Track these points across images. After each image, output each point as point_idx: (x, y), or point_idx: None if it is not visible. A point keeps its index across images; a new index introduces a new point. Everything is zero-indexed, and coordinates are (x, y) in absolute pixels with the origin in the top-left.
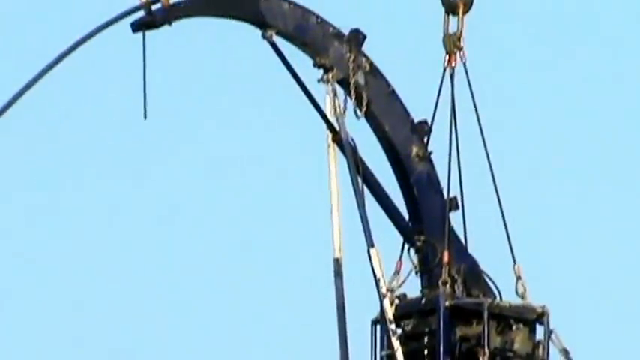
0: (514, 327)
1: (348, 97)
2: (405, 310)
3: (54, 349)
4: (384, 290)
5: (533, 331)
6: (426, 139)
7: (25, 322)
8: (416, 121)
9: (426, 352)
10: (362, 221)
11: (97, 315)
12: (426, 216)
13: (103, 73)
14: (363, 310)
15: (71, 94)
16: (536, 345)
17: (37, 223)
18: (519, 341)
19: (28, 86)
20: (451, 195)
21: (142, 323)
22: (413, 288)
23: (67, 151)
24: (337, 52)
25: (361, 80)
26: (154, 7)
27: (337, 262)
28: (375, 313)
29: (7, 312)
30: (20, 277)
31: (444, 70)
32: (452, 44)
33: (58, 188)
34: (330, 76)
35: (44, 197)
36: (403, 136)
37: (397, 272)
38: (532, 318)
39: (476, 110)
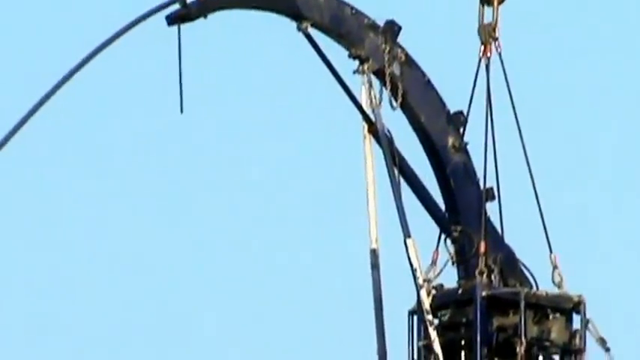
0: (551, 317)
1: (384, 88)
2: (442, 300)
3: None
4: (420, 281)
5: (570, 320)
6: (461, 130)
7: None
8: (452, 111)
9: (462, 342)
10: (398, 212)
11: (145, 304)
12: (462, 206)
13: (139, 67)
14: (399, 301)
15: (107, 87)
16: (573, 334)
17: (79, 214)
18: (556, 331)
19: (65, 79)
20: (487, 185)
21: (194, 313)
22: (449, 278)
23: (103, 144)
24: (372, 44)
25: (397, 71)
26: (189, 0)
27: (374, 254)
28: (411, 303)
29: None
30: (70, 267)
31: (480, 60)
32: (487, 34)
33: (95, 182)
34: (366, 67)
35: (82, 190)
36: (439, 127)
37: (434, 263)
38: (569, 307)
39: (511, 100)
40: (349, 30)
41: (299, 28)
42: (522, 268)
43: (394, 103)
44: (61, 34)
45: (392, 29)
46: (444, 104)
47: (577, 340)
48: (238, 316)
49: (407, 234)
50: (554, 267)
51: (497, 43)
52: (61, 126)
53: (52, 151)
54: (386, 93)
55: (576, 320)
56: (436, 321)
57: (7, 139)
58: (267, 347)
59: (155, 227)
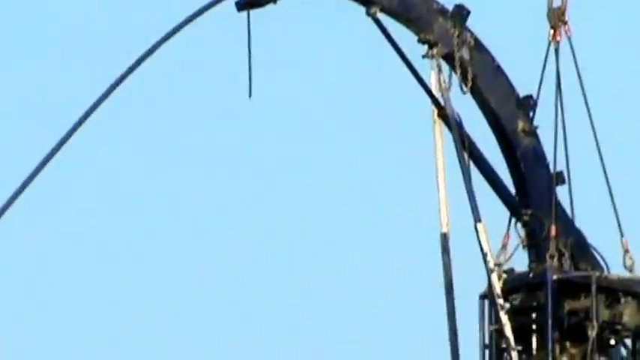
0: (622, 300)
1: (453, 73)
2: (513, 284)
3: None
4: (491, 265)
5: None
6: (531, 114)
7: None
8: (521, 95)
9: (533, 326)
10: (468, 196)
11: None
12: (532, 190)
13: (209, 52)
14: (470, 285)
15: (177, 73)
16: None
17: (149, 198)
18: (628, 314)
19: (136, 65)
20: (557, 169)
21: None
22: (520, 262)
23: (172, 130)
24: (441, 28)
25: (466, 55)
26: None
27: (444, 238)
28: (482, 288)
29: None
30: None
31: (549, 44)
32: (556, 18)
33: (164, 167)
34: (435, 51)
35: (151, 175)
36: (509, 111)
37: (504, 247)
38: None
39: (581, 84)
40: (418, 14)
41: (368, 13)
42: (593, 251)
43: (464, 88)
44: (131, 21)
45: (461, 13)
46: (513, 88)
47: None
48: (314, 297)
49: (477, 218)
50: (626, 251)
51: (566, 26)
52: (131, 111)
53: (122, 139)
54: (455, 77)
55: None
56: (507, 305)
57: (74, 128)
58: (340, 330)
59: (225, 212)
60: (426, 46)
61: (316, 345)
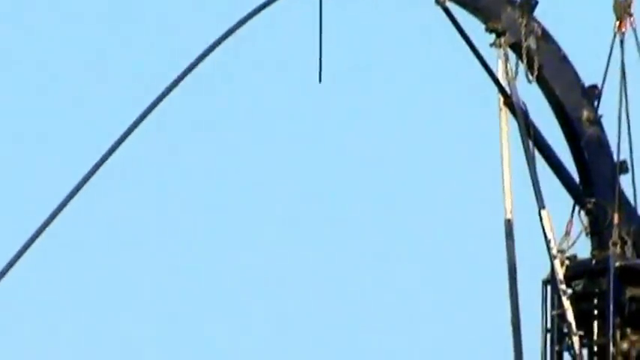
0: None
1: (520, 62)
2: (576, 271)
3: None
4: (554, 251)
5: None
6: (596, 103)
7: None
8: (586, 85)
9: (595, 312)
10: (533, 183)
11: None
12: (596, 179)
13: (280, 37)
14: (533, 270)
15: (249, 57)
16: None
17: (221, 182)
18: None
19: (211, 49)
20: (621, 158)
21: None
22: (583, 249)
23: (243, 114)
24: (509, 17)
25: (533, 45)
26: None
27: (508, 224)
28: (545, 273)
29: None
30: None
31: (614, 35)
32: (622, 10)
33: (235, 150)
34: (502, 40)
35: (223, 158)
36: (574, 100)
37: (567, 234)
38: None
39: None
40: (486, 4)
41: (437, 2)
42: None
43: (530, 77)
44: (206, 7)
45: (529, 3)
46: (578, 78)
47: None
48: (379, 284)
49: (541, 205)
50: None
51: (631, 18)
52: (202, 99)
53: (191, 130)
54: (522, 66)
55: None
56: (569, 291)
57: (145, 114)
58: (406, 315)
59: (294, 193)
60: (493, 35)
61: (380, 330)
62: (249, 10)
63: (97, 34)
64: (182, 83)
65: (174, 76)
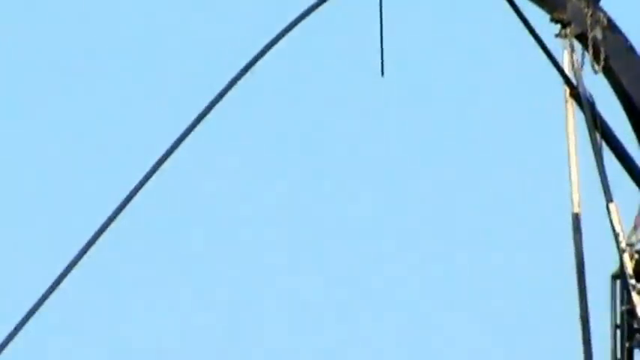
0: None
1: (586, 52)
2: None
3: None
4: (623, 245)
5: None
6: None
7: None
8: None
9: None
10: (600, 176)
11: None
12: None
13: (341, 29)
14: (602, 265)
15: (310, 50)
16: None
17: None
18: None
19: (272, 44)
20: None
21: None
22: None
23: (304, 108)
24: (575, 8)
25: (599, 35)
26: None
27: (576, 218)
28: (614, 268)
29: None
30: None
31: None
32: None
33: (299, 147)
34: (568, 31)
35: (283, 158)
36: None
37: (636, 227)
38: None
39: None
40: None
41: None
42: None
43: (596, 67)
44: (265, 1)
45: None
46: None
47: None
48: (447, 279)
49: (609, 198)
50: None
51: None
52: (262, 96)
53: (252, 122)
54: (588, 57)
55: None
56: (639, 286)
57: (211, 105)
58: (469, 310)
59: (357, 186)
60: (558, 26)
61: (449, 325)
62: (310, 3)
63: (154, 29)
64: (240, 82)
65: (232, 73)
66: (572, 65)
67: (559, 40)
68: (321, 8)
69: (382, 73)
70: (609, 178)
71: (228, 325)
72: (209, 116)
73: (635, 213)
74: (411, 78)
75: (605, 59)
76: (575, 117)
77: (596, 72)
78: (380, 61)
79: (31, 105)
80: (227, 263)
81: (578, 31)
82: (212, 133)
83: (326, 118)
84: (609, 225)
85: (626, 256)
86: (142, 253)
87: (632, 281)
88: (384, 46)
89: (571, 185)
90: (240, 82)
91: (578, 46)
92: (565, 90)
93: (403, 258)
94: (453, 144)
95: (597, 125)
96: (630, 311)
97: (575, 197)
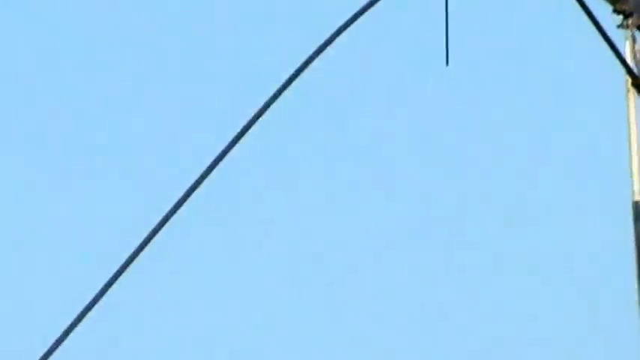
0: None
1: None
2: None
3: None
4: None
5: None
6: None
7: None
8: None
9: None
10: None
11: None
12: None
13: (405, 17)
14: None
15: (373, 38)
16: None
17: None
18: None
19: (338, 33)
20: None
21: None
22: None
23: (370, 97)
24: None
25: None
26: None
27: (636, 206)
28: None
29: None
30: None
31: None
32: None
33: (364, 137)
34: (630, 22)
35: (347, 144)
36: None
37: None
38: None
39: None
40: None
41: None
42: None
43: None
44: None
45: None
46: None
47: None
48: (506, 269)
49: None
50: None
51: None
52: (325, 82)
53: (316, 114)
54: None
55: None
56: None
57: (280, 91)
58: (530, 301)
59: (422, 175)
60: (620, 17)
61: (508, 318)
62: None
63: (209, 28)
64: (302, 74)
65: (297, 63)
66: (634, 56)
67: (621, 31)
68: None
69: (447, 63)
70: None
71: None
72: (278, 101)
73: None
74: (474, 67)
75: None
76: (636, 107)
77: None
78: (445, 49)
79: (83, 126)
80: None
81: None
82: (271, 128)
83: (389, 109)
84: None
85: None
86: None
87: None
88: (449, 35)
89: (631, 174)
90: (302, 76)
91: (639, 36)
92: (627, 80)
93: (484, 246)
94: (515, 134)
95: None
96: None
97: (636, 186)
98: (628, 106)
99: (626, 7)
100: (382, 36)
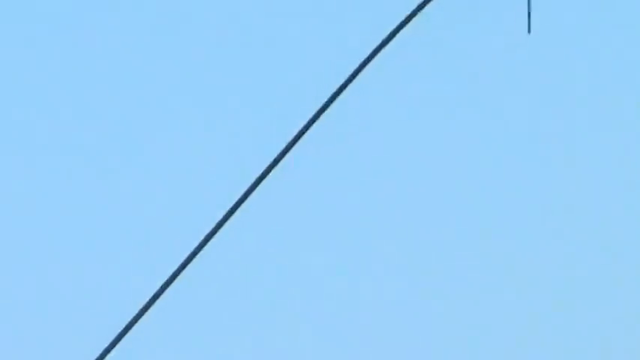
0: None
1: None
2: None
3: None
4: None
5: None
6: None
7: None
8: None
9: None
10: None
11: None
12: None
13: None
14: None
15: (455, 7)
16: None
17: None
18: None
19: (414, 13)
20: None
21: None
22: None
23: (451, 66)
24: None
25: None
26: None
27: None
28: None
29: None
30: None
31: None
32: None
33: (443, 106)
34: None
35: (430, 115)
36: None
37: None
38: None
39: None
40: None
41: None
42: None
43: None
44: None
45: None
46: None
47: None
48: (573, 260)
49: None
50: None
51: None
52: (405, 52)
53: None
54: None
55: None
56: None
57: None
58: (584, 301)
59: (505, 147)
60: None
61: (568, 304)
62: None
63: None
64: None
65: (377, 40)
66: None
67: None
68: None
69: (529, 31)
70: None
71: None
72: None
73: None
74: (557, 37)
75: None
76: None
77: None
78: (527, 18)
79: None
80: None
81: None
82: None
83: (473, 77)
84: None
85: None
86: None
87: None
88: (531, 3)
89: None
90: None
91: None
92: None
93: (552, 228)
94: (597, 105)
95: None
96: None
97: None
98: None
99: None
100: (465, 4)
